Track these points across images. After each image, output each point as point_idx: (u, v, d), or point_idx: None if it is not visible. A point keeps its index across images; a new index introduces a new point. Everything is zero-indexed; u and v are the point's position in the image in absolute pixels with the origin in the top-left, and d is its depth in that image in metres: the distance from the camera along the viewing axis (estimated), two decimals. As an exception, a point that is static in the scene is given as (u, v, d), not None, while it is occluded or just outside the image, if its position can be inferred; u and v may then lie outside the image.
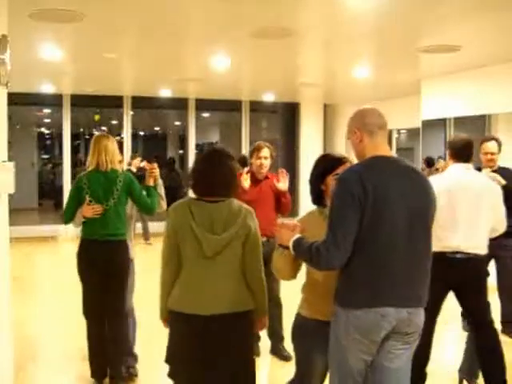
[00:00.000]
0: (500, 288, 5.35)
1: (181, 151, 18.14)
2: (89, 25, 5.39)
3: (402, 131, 12.53)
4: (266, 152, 4.57)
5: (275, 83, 10.07)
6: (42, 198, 16.36)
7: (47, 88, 10.51)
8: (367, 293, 2.31)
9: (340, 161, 2.70)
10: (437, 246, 3.17)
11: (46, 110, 15.09)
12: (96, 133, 4.17)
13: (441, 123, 8.95)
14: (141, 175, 10.74)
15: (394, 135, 12.17)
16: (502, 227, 3.72)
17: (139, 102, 12.10)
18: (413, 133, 10.67)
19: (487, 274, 3.79)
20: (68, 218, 4.00)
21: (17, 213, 10.65)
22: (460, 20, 5.27)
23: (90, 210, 3.86)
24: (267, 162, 4.57)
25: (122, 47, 6.86)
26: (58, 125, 12.17)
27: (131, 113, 12.02)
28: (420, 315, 2.42)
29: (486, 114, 7.98)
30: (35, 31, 5.71)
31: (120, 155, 4.41)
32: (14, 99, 6.10)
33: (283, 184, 4.49)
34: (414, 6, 4.83)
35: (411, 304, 2.37)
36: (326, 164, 2.71)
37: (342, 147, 12.45)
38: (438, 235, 3.33)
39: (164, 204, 4.23)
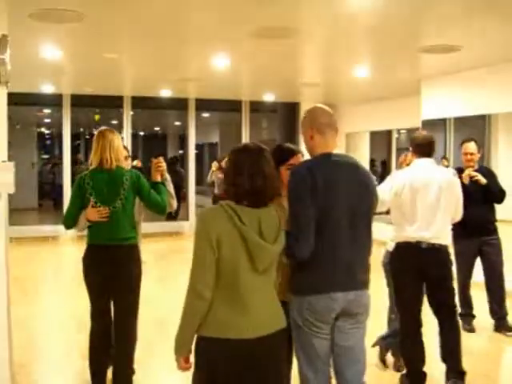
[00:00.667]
0: (487, 285, 5.43)
1: (181, 151, 18.16)
2: (89, 25, 5.40)
3: (401, 131, 12.53)
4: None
5: (275, 83, 10.07)
6: (42, 198, 16.36)
7: (47, 88, 10.51)
8: (317, 280, 2.59)
9: (293, 152, 2.96)
10: (402, 236, 3.87)
11: (46, 110, 15.09)
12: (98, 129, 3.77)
13: (441, 123, 8.95)
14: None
15: (394, 135, 12.18)
16: (458, 217, 4.05)
17: (139, 102, 12.10)
18: (413, 133, 10.66)
19: (451, 264, 4.00)
20: (70, 223, 3.64)
21: (17, 213, 10.66)
22: (460, 20, 5.27)
23: (95, 213, 3.52)
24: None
25: (121, 47, 6.86)
26: (58, 125, 12.17)
27: (131, 113, 12.02)
28: (366, 297, 2.71)
29: (486, 114, 7.98)
30: (35, 31, 5.71)
31: (126, 151, 4.12)
32: (14, 99, 6.10)
33: None
34: (414, 6, 4.83)
35: (357, 287, 2.65)
36: (280, 155, 2.92)
37: (342, 147, 12.46)
38: (403, 226, 3.81)
39: (174, 202, 3.80)
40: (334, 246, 2.57)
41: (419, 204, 3.80)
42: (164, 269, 8.43)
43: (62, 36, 6.05)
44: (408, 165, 4.23)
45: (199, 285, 2.24)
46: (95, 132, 3.68)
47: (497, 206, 5.61)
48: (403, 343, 4.01)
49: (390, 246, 4.17)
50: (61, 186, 11.61)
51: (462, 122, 8.49)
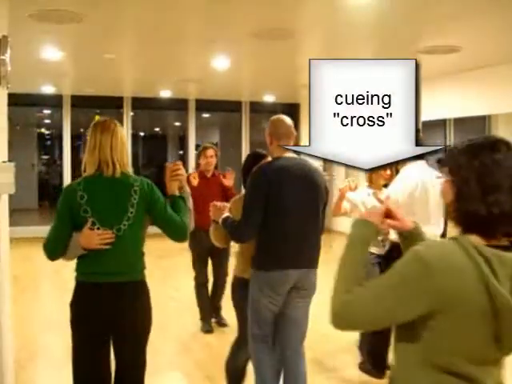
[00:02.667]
0: None
1: (181, 152, 18.16)
2: (89, 25, 5.40)
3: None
4: (211, 152, 5.31)
5: (275, 84, 10.08)
6: (42, 199, 16.37)
7: (47, 89, 10.52)
8: (274, 258, 3.14)
9: (263, 156, 3.47)
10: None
11: (46, 111, 15.10)
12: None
13: (441, 124, 8.95)
14: None
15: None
16: None
17: (139, 103, 12.10)
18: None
19: None
20: (56, 253, 2.70)
21: (17, 213, 10.66)
22: (460, 21, 5.27)
23: (94, 238, 2.56)
24: (213, 161, 5.31)
25: (121, 48, 6.87)
26: (58, 125, 12.18)
27: (131, 113, 12.03)
28: (314, 274, 3.24)
29: (486, 114, 7.99)
30: (35, 32, 5.71)
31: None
32: (14, 100, 6.10)
33: (228, 181, 5.18)
34: (415, 7, 4.84)
35: (307, 265, 3.20)
36: (253, 159, 3.48)
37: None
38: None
39: (192, 222, 2.83)
40: (286, 231, 3.10)
41: (431, 203, 3.89)
42: (167, 269, 8.43)
43: (62, 37, 6.06)
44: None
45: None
46: (92, 125, 2.75)
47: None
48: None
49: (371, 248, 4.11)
50: (61, 187, 11.61)
51: (461, 122, 8.49)
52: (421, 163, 3.99)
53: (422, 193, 3.89)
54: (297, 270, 3.13)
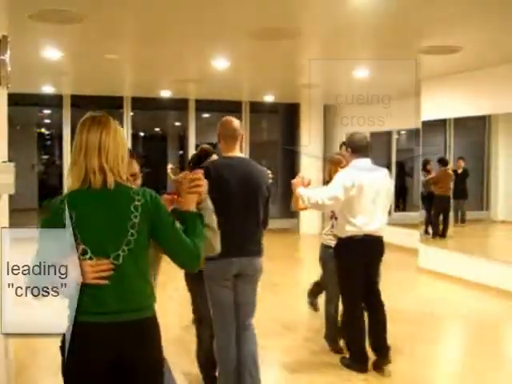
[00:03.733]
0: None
1: (181, 152, 18.15)
2: (89, 26, 5.40)
3: (401, 132, 12.52)
4: None
5: (275, 84, 10.08)
6: (42, 199, 16.36)
7: (47, 89, 10.52)
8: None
9: (210, 152, 3.78)
10: (350, 230, 4.27)
11: (46, 111, 15.09)
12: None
13: (441, 124, 8.95)
14: None
15: (394, 136, 12.16)
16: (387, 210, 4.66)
17: (139, 103, 12.10)
18: (412, 134, 10.67)
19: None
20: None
21: (17, 213, 10.66)
22: (460, 21, 5.27)
23: (89, 270, 2.05)
24: None
25: (121, 48, 6.86)
26: (58, 125, 12.18)
27: (131, 113, 12.03)
28: (257, 262, 3.61)
29: (486, 114, 7.98)
30: (35, 32, 5.71)
31: (134, 161, 2.63)
32: (15, 100, 6.11)
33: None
34: (414, 7, 4.83)
35: (249, 254, 3.56)
36: (198, 157, 3.75)
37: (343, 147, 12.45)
38: (351, 221, 4.26)
39: (217, 244, 2.47)
40: (231, 223, 3.33)
41: (365, 200, 4.25)
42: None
43: (62, 37, 6.05)
44: (343, 166, 4.56)
45: None
46: (80, 121, 2.24)
47: (497, 206, 5.65)
48: (350, 326, 4.48)
49: (330, 242, 4.64)
50: (61, 187, 11.61)
51: (461, 122, 8.49)
52: (365, 161, 4.35)
53: (358, 189, 4.21)
54: (239, 259, 3.52)
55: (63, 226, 2.06)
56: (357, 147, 4.36)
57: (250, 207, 3.53)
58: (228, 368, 3.60)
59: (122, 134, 2.21)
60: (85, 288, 2.07)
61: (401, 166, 12.89)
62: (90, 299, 2.08)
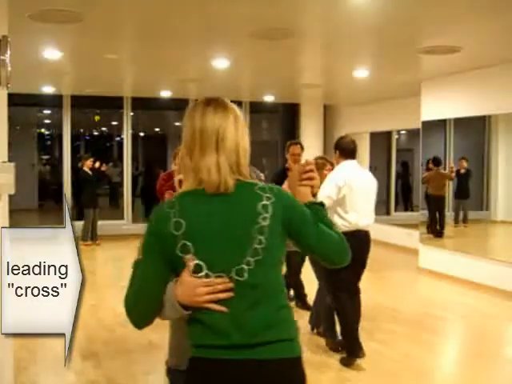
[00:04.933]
0: None
1: (181, 152, 18.11)
2: (89, 26, 5.40)
3: (401, 132, 12.54)
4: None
5: (275, 84, 10.08)
6: (42, 199, 16.37)
7: (47, 89, 10.51)
8: None
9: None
10: (343, 225, 4.44)
11: (46, 111, 15.11)
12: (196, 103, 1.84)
13: (441, 124, 8.95)
14: (98, 178, 10.62)
15: (394, 136, 12.17)
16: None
17: (139, 103, 12.11)
18: (413, 134, 10.68)
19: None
20: (144, 314, 1.70)
21: (17, 213, 10.66)
22: (460, 21, 5.27)
23: (200, 290, 1.62)
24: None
25: (121, 48, 6.86)
26: (58, 125, 12.18)
27: (131, 114, 12.03)
28: None
29: (486, 115, 7.98)
30: (35, 32, 5.71)
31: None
32: (15, 100, 6.11)
33: None
34: (414, 7, 4.83)
35: None
36: None
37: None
38: (343, 217, 4.53)
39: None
40: None
41: (356, 198, 4.55)
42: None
43: (62, 37, 6.05)
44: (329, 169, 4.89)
45: None
46: (189, 107, 1.80)
47: (497, 207, 5.66)
48: (341, 313, 4.68)
49: None
50: (61, 187, 11.61)
51: (461, 122, 8.49)
52: (352, 162, 4.69)
53: (349, 187, 4.52)
54: None
55: (171, 236, 1.63)
56: (345, 150, 4.72)
57: None
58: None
59: (244, 121, 1.78)
60: (200, 313, 1.63)
61: (405, 165, 12.92)
62: (209, 328, 1.63)
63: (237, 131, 1.71)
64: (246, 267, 1.62)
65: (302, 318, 5.28)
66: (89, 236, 10.47)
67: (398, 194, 12.68)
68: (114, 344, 4.97)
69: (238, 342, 1.60)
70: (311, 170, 1.90)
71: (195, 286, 1.60)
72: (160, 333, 4.97)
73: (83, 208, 10.72)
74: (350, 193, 4.56)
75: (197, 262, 1.61)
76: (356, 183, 4.59)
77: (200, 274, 1.61)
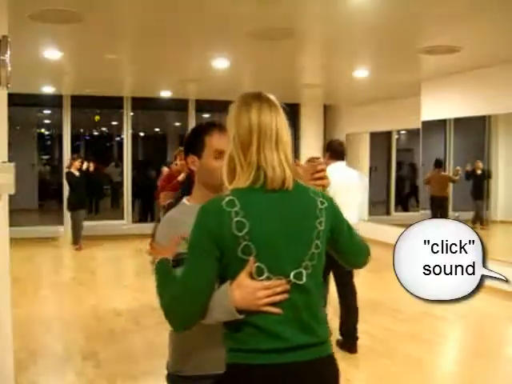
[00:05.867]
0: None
1: (181, 152, 18.11)
2: (89, 26, 5.40)
3: (401, 132, 12.54)
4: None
5: (275, 84, 10.07)
6: (42, 199, 16.37)
7: (47, 89, 10.52)
8: None
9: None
10: None
11: (46, 111, 15.11)
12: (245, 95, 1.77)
13: (441, 124, 8.95)
14: (84, 178, 10.39)
15: (394, 136, 12.18)
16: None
17: (139, 103, 12.10)
18: (413, 134, 10.69)
19: None
20: (190, 317, 1.60)
21: (17, 213, 10.67)
22: (460, 21, 5.27)
23: (260, 294, 1.56)
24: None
25: (121, 48, 6.87)
26: (58, 126, 12.18)
27: (131, 114, 12.03)
28: None
29: (486, 115, 7.99)
30: (35, 32, 5.71)
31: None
32: (15, 100, 6.11)
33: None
34: (414, 7, 4.83)
35: None
36: None
37: (342, 148, 12.43)
38: None
39: None
40: None
41: (341, 196, 4.81)
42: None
43: (62, 37, 6.06)
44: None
45: None
46: (235, 101, 1.77)
47: (497, 207, 5.67)
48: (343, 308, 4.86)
49: None
50: (61, 187, 11.60)
51: (461, 122, 8.49)
52: (341, 163, 4.92)
53: (336, 186, 4.77)
54: None
55: (232, 237, 1.55)
56: (335, 152, 4.95)
57: None
58: None
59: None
60: (253, 318, 1.57)
61: (413, 167, 12.91)
62: (259, 332, 1.58)
63: (287, 128, 1.70)
64: (303, 271, 1.60)
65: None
66: (78, 238, 10.09)
67: (409, 195, 12.75)
68: (114, 344, 4.97)
69: (293, 344, 1.58)
70: (323, 170, 1.89)
71: (256, 290, 1.55)
72: (159, 333, 4.96)
73: (69, 211, 10.36)
74: (337, 191, 4.69)
75: (258, 264, 1.56)
76: (343, 182, 4.66)
77: (261, 278, 1.56)
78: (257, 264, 1.55)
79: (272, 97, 1.75)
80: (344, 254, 1.81)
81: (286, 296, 1.57)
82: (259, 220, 1.57)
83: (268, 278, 1.56)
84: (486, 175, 8.59)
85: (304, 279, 1.59)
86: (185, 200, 2.06)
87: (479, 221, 8.86)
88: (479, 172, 8.83)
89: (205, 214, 1.59)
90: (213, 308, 1.58)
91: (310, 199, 1.66)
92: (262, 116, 1.66)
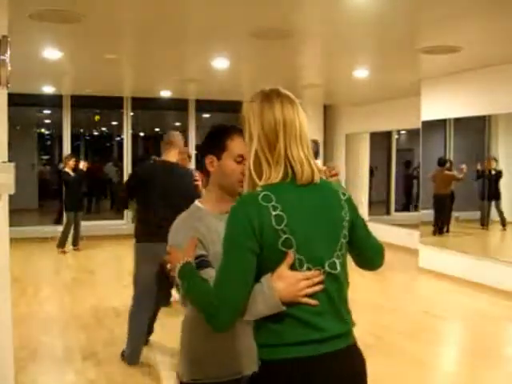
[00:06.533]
0: None
1: (181, 152, 18.09)
2: (89, 25, 5.40)
3: (401, 132, 12.54)
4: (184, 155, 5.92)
5: (275, 84, 9.97)
6: (42, 199, 16.37)
7: (47, 89, 10.52)
8: (143, 233, 4.40)
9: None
10: None
11: (46, 111, 15.11)
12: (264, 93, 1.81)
13: (441, 124, 8.95)
14: (79, 178, 10.17)
15: (394, 136, 12.18)
16: None
17: (139, 103, 12.11)
18: (413, 134, 10.68)
19: None
20: (233, 315, 1.56)
21: (17, 213, 10.67)
22: (460, 21, 5.27)
23: (304, 283, 1.58)
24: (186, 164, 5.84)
25: (121, 48, 6.87)
26: (58, 125, 12.18)
27: (131, 114, 12.03)
28: None
29: (486, 114, 7.99)
30: (35, 32, 5.71)
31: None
32: (15, 100, 6.11)
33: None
34: (414, 7, 4.83)
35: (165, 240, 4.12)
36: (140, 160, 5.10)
37: (342, 147, 12.46)
38: None
39: None
40: (153, 213, 4.28)
41: None
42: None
43: (62, 37, 6.06)
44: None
45: None
46: (254, 98, 1.76)
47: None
48: None
49: None
50: (61, 187, 11.60)
51: (461, 122, 8.49)
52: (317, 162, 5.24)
53: None
54: (160, 244, 4.42)
55: (272, 231, 1.56)
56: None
57: (172, 200, 4.17)
58: (138, 336, 4.49)
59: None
60: (291, 309, 1.58)
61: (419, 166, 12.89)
62: (300, 323, 1.59)
63: (306, 124, 1.74)
64: (336, 260, 1.65)
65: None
66: (67, 242, 9.88)
67: (417, 195, 12.77)
68: (114, 344, 4.97)
69: (329, 334, 1.61)
70: (336, 175, 2.01)
71: (298, 281, 1.57)
72: (158, 333, 4.96)
73: (64, 211, 10.18)
74: None
75: (298, 256, 1.59)
76: None
77: (302, 269, 1.59)
78: (297, 256, 1.58)
79: (289, 92, 1.81)
80: (361, 251, 1.80)
81: (322, 286, 1.60)
82: (295, 213, 1.60)
83: (308, 269, 1.59)
84: (499, 175, 8.39)
85: (338, 268, 1.64)
86: (197, 202, 2.07)
87: (486, 222, 8.82)
88: (493, 172, 8.63)
89: (243, 209, 1.60)
90: (254, 303, 1.57)
91: (334, 191, 1.72)
92: (285, 112, 1.70)
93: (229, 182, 1.96)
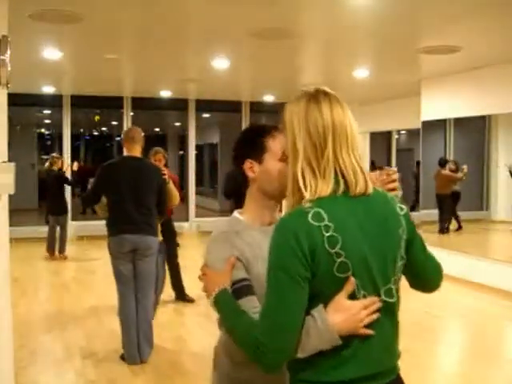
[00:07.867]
0: None
1: (181, 152, 18.14)
2: (89, 25, 5.40)
3: (401, 132, 12.54)
4: (159, 157, 5.90)
5: (275, 84, 10.08)
6: (42, 199, 16.37)
7: (47, 89, 10.52)
8: (115, 227, 4.43)
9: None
10: None
11: (46, 111, 15.11)
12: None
13: (441, 124, 8.95)
14: (59, 179, 9.68)
15: (394, 136, 12.18)
16: None
17: (139, 103, 12.11)
18: (413, 133, 10.69)
19: None
20: (288, 351, 1.37)
21: (17, 213, 10.67)
22: (460, 20, 5.27)
23: (363, 313, 1.40)
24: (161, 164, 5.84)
25: (121, 48, 6.87)
26: (58, 125, 12.18)
27: (131, 113, 12.03)
28: (149, 239, 4.45)
29: (486, 114, 7.99)
30: (35, 32, 5.71)
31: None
32: (15, 100, 6.11)
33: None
34: (414, 7, 4.83)
35: (140, 232, 4.39)
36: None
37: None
38: None
39: None
40: (123, 208, 4.37)
41: None
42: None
43: (62, 36, 6.06)
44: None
45: None
46: (298, 98, 1.53)
47: (497, 206, 5.64)
48: None
49: None
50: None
51: (462, 122, 8.49)
52: None
53: None
54: (134, 235, 4.36)
55: (326, 255, 1.35)
56: None
57: (142, 195, 4.44)
58: (128, 331, 4.46)
59: None
60: (350, 341, 1.40)
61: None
62: (348, 358, 1.40)
63: (357, 128, 1.49)
64: (393, 287, 1.44)
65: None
66: (54, 247, 9.44)
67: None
68: (114, 344, 4.96)
69: (380, 369, 1.44)
70: (396, 180, 1.71)
71: (359, 311, 1.38)
72: (158, 333, 4.95)
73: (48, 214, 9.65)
74: None
75: (356, 281, 1.37)
76: None
77: (359, 296, 1.39)
78: (356, 282, 1.38)
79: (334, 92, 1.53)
80: (418, 274, 1.60)
81: (378, 315, 1.40)
82: (349, 232, 1.37)
83: (363, 297, 1.39)
84: None
85: (394, 296, 1.45)
86: (236, 213, 1.79)
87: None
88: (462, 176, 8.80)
89: (291, 231, 1.35)
90: (307, 338, 1.38)
91: (390, 205, 1.48)
92: (334, 114, 1.45)
93: (276, 185, 1.70)
